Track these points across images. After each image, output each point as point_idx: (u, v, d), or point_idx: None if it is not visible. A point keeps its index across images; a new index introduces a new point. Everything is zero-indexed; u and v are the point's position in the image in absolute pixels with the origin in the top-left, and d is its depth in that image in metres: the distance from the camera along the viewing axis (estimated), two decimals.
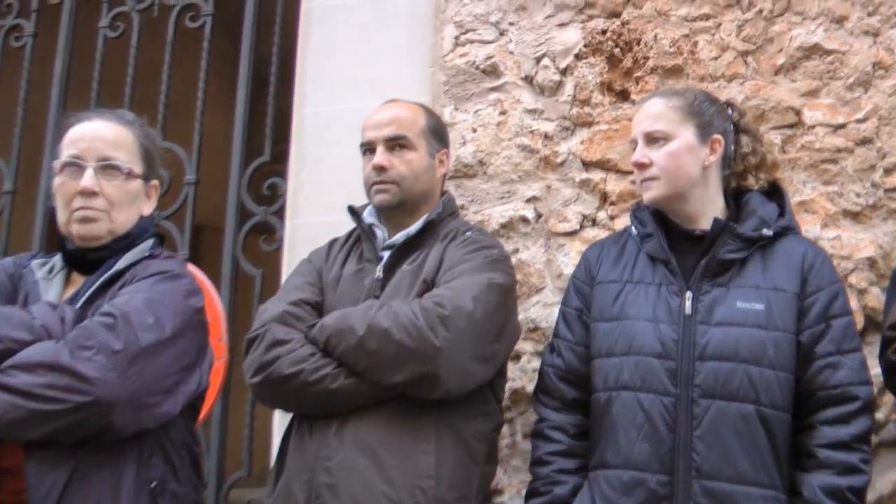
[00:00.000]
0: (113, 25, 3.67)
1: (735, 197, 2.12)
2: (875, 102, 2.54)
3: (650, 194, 2.04)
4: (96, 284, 1.91)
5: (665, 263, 2.02)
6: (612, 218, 2.69)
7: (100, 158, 1.92)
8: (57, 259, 1.98)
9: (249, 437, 3.25)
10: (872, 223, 2.48)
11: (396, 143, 2.28)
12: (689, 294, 1.96)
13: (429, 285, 2.16)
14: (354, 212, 2.36)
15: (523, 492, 2.47)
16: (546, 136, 2.77)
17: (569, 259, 2.67)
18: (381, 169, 2.26)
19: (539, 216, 2.74)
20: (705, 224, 2.04)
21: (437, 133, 2.38)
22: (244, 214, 3.36)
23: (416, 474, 2.02)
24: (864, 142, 2.53)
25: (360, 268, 2.27)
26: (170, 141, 3.34)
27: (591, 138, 2.74)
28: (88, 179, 1.89)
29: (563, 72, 2.80)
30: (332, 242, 2.42)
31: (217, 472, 3.19)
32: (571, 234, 2.71)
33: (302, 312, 2.19)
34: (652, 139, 2.04)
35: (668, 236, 2.05)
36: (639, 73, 2.74)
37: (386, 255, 2.26)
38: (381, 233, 2.31)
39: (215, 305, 2.98)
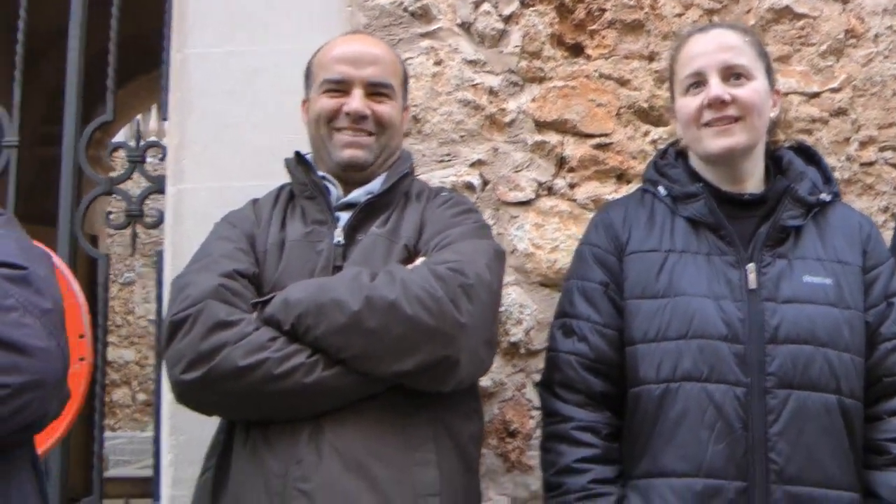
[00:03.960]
0: None
1: (772, 157, 1.85)
2: (848, 72, 2.40)
3: (728, 141, 1.71)
4: None
5: (713, 229, 1.72)
6: (571, 186, 2.36)
7: None
8: None
9: (100, 454, 2.70)
10: (847, 199, 2.31)
11: (377, 90, 1.87)
12: (751, 265, 1.67)
13: (411, 252, 1.78)
14: (303, 161, 1.91)
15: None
16: (491, 92, 2.39)
17: (523, 233, 2.32)
18: (359, 118, 1.83)
19: (486, 183, 2.37)
20: (752, 186, 1.77)
21: (406, 83, 2.01)
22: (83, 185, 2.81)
23: (417, 492, 1.63)
24: (839, 113, 2.39)
25: (310, 230, 1.84)
26: None
27: (544, 96, 2.39)
28: None
29: (507, 19, 2.43)
30: (256, 203, 1.97)
31: (60, 498, 2.59)
32: (525, 203, 2.35)
33: (240, 287, 1.73)
34: (732, 74, 1.72)
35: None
36: (594, 27, 2.42)
37: (344, 216, 1.83)
38: (335, 190, 1.88)
39: (75, 293, 2.39)
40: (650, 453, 1.67)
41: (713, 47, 1.75)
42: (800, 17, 2.41)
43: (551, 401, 1.79)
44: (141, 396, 13.35)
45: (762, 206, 1.73)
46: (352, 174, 1.88)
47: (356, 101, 1.85)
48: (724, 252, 1.69)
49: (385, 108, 1.88)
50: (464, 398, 1.76)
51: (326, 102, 1.87)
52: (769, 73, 1.77)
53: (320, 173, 1.89)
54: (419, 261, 1.73)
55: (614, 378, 1.74)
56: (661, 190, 1.81)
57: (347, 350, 1.60)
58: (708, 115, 1.73)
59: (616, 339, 1.74)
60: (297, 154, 1.93)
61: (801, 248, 1.70)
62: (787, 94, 2.35)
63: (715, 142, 1.72)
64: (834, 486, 1.59)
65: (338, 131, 1.86)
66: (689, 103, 1.75)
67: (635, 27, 2.42)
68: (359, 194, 1.86)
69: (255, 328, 1.64)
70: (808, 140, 2.32)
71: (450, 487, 1.66)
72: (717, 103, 1.71)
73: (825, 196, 1.75)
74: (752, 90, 1.71)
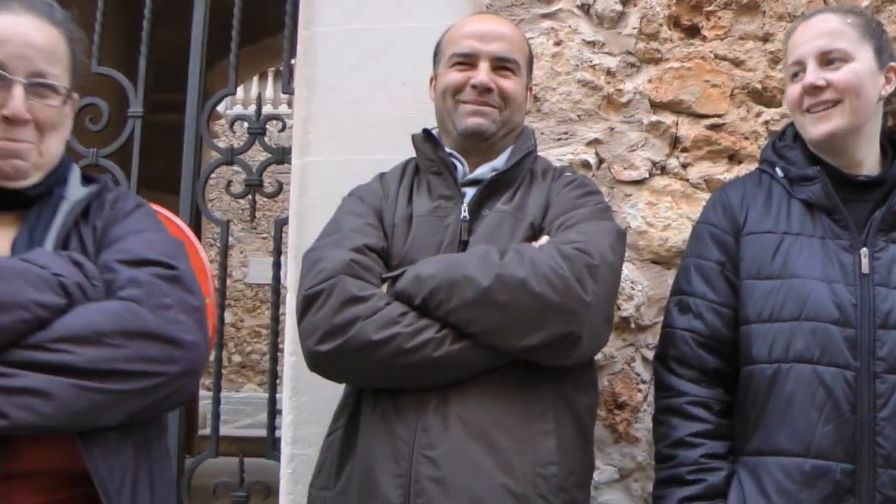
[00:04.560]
0: None
1: (890, 139, 1.86)
2: None
3: (827, 126, 1.74)
4: (58, 223, 1.50)
5: (829, 213, 1.75)
6: (684, 166, 2.41)
7: (31, 73, 1.47)
8: None
9: (217, 415, 2.85)
10: None
11: (502, 65, 1.93)
12: (864, 250, 1.70)
13: (536, 230, 1.83)
14: (431, 138, 1.99)
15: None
16: (609, 73, 2.45)
17: (636, 211, 2.38)
18: (485, 90, 1.90)
19: (601, 161, 2.43)
20: (867, 169, 1.79)
21: (531, 63, 2.07)
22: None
23: (537, 461, 1.69)
24: None
25: (437, 206, 1.91)
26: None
27: (660, 77, 2.43)
28: (17, 101, 1.44)
29: (626, 2, 2.48)
30: (382, 177, 2.05)
31: (178, 453, 2.75)
32: (639, 182, 2.40)
33: (370, 261, 1.80)
34: (827, 60, 1.75)
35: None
36: (710, 8, 2.45)
37: (470, 192, 1.90)
38: (461, 167, 1.95)
39: (201, 259, 2.52)
40: (761, 432, 1.71)
41: (811, 35, 1.77)
42: None
43: (666, 375, 1.85)
44: (236, 358, 13.78)
45: (878, 189, 1.75)
46: (476, 143, 1.94)
47: (482, 73, 1.91)
48: (839, 236, 1.72)
49: (509, 83, 1.94)
50: (581, 371, 1.81)
51: (454, 76, 1.94)
52: (881, 52, 1.77)
53: (448, 150, 1.96)
54: (544, 239, 1.78)
55: (728, 356, 1.78)
56: (779, 171, 1.84)
57: (477, 324, 1.67)
58: (807, 101, 1.76)
59: (731, 317, 1.78)
60: (426, 131, 2.00)
61: None
62: None
63: (816, 127, 1.76)
64: None
65: (464, 103, 1.93)
66: (792, 90, 1.79)
67: (751, 8, 2.44)
68: (484, 171, 1.93)
69: (387, 303, 1.71)
70: None
71: (567, 457, 1.72)
72: (812, 89, 1.74)
73: None
74: (848, 72, 1.73)
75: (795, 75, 1.79)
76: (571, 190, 1.91)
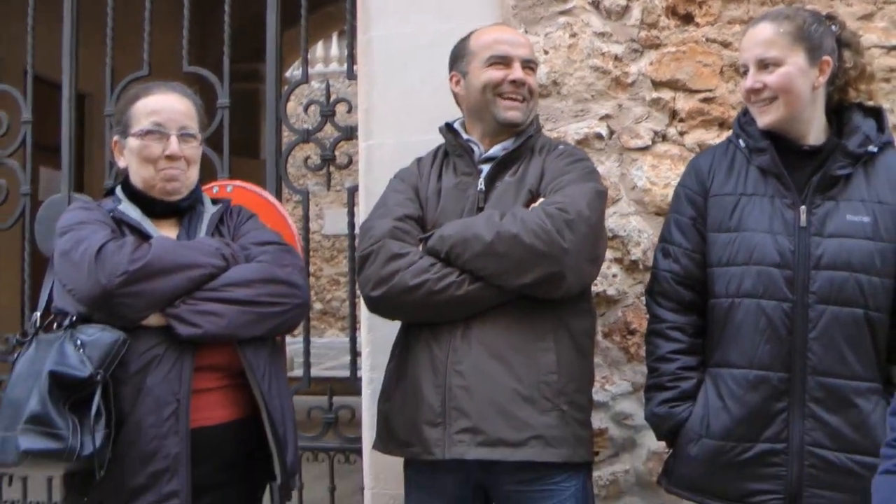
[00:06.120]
0: None
1: (836, 111, 2.27)
2: None
3: (767, 118, 2.19)
4: (205, 226, 2.31)
5: (777, 177, 2.19)
6: (681, 134, 2.90)
7: (179, 128, 2.26)
8: (130, 205, 2.27)
9: (307, 351, 3.49)
10: None
11: (528, 65, 2.43)
12: (803, 207, 2.16)
13: (533, 194, 2.34)
14: (452, 129, 2.50)
15: (606, 386, 2.76)
16: (616, 58, 2.94)
17: (641, 173, 2.89)
18: (521, 84, 2.40)
19: (612, 133, 2.94)
20: (812, 140, 2.21)
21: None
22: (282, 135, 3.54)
23: (540, 370, 2.23)
24: None
25: (459, 181, 2.42)
26: None
27: (659, 60, 2.92)
28: (174, 145, 2.24)
29: None
30: (419, 161, 2.57)
31: None
32: (643, 149, 2.91)
33: (408, 227, 2.36)
34: (764, 65, 2.18)
35: (777, 150, 2.20)
36: None
37: (485, 168, 2.41)
38: (477, 149, 2.46)
39: (290, 226, 3.07)
40: (719, 350, 2.20)
41: (751, 43, 2.21)
42: None
43: (652, 306, 2.37)
44: (317, 305, 14.47)
45: (818, 155, 2.19)
46: (507, 130, 2.41)
47: (518, 71, 2.40)
48: (784, 196, 2.18)
49: (533, 80, 2.45)
50: (576, 302, 2.31)
51: (494, 73, 2.39)
52: (812, 51, 2.17)
53: (465, 136, 2.47)
54: (539, 202, 2.28)
55: (699, 290, 2.27)
56: (741, 143, 2.29)
57: (485, 270, 2.20)
58: (752, 98, 2.22)
59: (701, 261, 2.27)
60: (447, 124, 2.51)
61: (849, 192, 2.15)
62: (869, 48, 2.76)
63: (760, 119, 2.22)
64: (857, 378, 2.07)
65: (501, 97, 2.41)
66: (743, 86, 2.25)
67: None
68: (496, 150, 2.41)
69: (420, 257, 2.27)
70: (886, 87, 2.77)
71: (565, 368, 2.24)
72: (752, 91, 2.20)
73: (873, 148, 2.17)
74: (779, 75, 2.14)
75: (745, 73, 2.25)
76: (561, 159, 2.39)
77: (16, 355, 2.12)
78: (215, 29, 3.64)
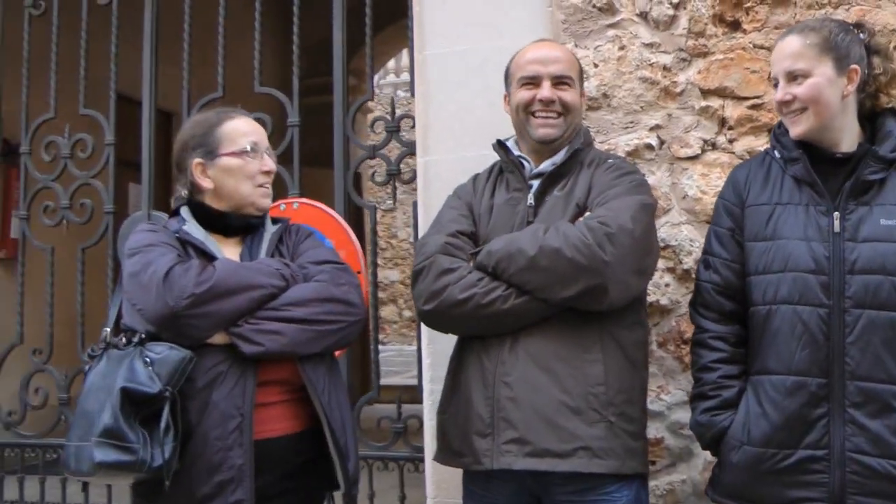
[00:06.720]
0: None
1: (869, 117, 2.30)
2: None
3: (798, 129, 2.23)
4: (266, 245, 2.43)
5: (811, 185, 2.23)
6: (731, 142, 2.92)
7: (267, 147, 2.46)
8: (195, 225, 2.39)
9: (377, 361, 3.61)
10: None
11: (561, 81, 2.49)
12: (836, 214, 2.19)
13: (581, 208, 2.40)
14: (503, 146, 2.58)
15: (662, 395, 2.79)
16: (665, 68, 2.98)
17: (692, 182, 2.91)
18: (549, 102, 2.47)
19: (662, 143, 2.97)
20: (845, 147, 2.25)
21: (581, 74, 2.62)
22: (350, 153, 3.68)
23: (588, 382, 2.28)
24: None
25: (510, 197, 2.51)
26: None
27: (707, 68, 2.94)
28: (270, 162, 2.44)
29: (676, 6, 2.98)
30: (475, 177, 2.65)
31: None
32: (693, 158, 2.94)
33: (461, 242, 2.45)
34: (793, 77, 2.22)
35: (811, 159, 2.25)
36: (748, 4, 2.92)
37: (535, 183, 2.48)
38: (528, 164, 2.53)
39: (352, 241, 3.18)
40: (759, 357, 2.23)
41: (780, 56, 2.25)
42: None
43: (695, 317, 2.42)
44: (406, 313, 14.62)
45: (851, 162, 2.22)
46: (546, 146, 2.50)
47: (546, 90, 2.47)
48: (818, 203, 2.21)
49: (567, 95, 2.50)
50: (625, 313, 2.34)
51: (524, 94, 2.49)
52: (840, 60, 2.21)
53: (516, 153, 2.54)
54: (586, 215, 2.35)
55: (740, 300, 2.31)
56: (776, 153, 2.33)
57: (530, 283, 2.27)
58: (783, 109, 2.26)
59: (740, 271, 2.31)
60: (498, 141, 2.59)
61: (882, 196, 2.17)
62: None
63: (792, 129, 2.25)
64: (894, 381, 2.10)
65: (533, 115, 2.49)
66: (775, 97, 2.28)
67: (783, 1, 2.90)
68: (546, 166, 2.48)
69: (469, 272, 2.36)
70: None
71: (614, 380, 2.29)
72: (783, 103, 2.24)
73: None
74: (808, 86, 2.18)
75: (776, 85, 2.28)
76: (609, 173, 2.44)
77: (87, 368, 2.29)
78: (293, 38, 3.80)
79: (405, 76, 14.87)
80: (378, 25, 3.82)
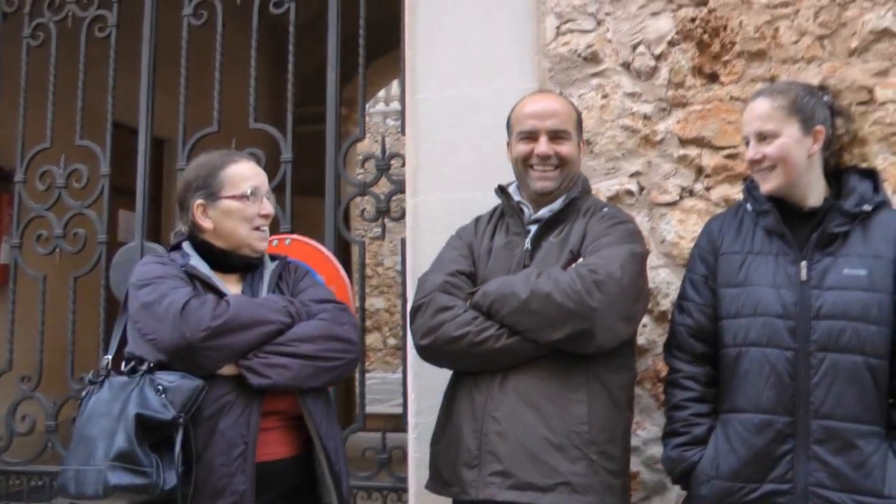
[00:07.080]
0: (196, 13, 3.95)
1: (834, 174, 2.44)
2: None
3: (768, 185, 2.37)
4: (266, 281, 2.53)
5: (780, 236, 2.36)
6: (707, 189, 3.05)
7: (266, 191, 2.54)
8: (199, 260, 2.47)
9: (363, 394, 3.72)
10: None
11: (557, 135, 2.59)
12: (804, 263, 2.31)
13: (574, 255, 2.50)
14: (504, 191, 2.69)
15: (638, 431, 2.90)
16: (645, 117, 3.11)
17: (670, 227, 3.04)
18: (546, 157, 2.58)
19: (642, 189, 3.10)
20: (812, 201, 2.38)
21: (580, 124, 2.72)
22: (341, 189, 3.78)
23: (572, 421, 2.38)
24: None
25: (509, 240, 2.62)
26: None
27: (686, 118, 3.08)
28: (269, 207, 2.53)
29: (658, 57, 3.12)
30: (478, 219, 2.76)
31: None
32: (672, 204, 3.07)
33: (459, 282, 2.55)
34: (762, 137, 2.36)
35: (781, 212, 2.38)
36: (727, 57, 3.07)
37: (533, 228, 2.60)
38: (527, 210, 2.64)
39: (341, 276, 3.26)
40: (728, 396, 2.36)
41: (750, 118, 2.39)
42: None
43: (669, 358, 2.54)
44: (391, 341, 14.64)
45: (817, 215, 2.35)
46: (544, 197, 2.61)
47: (542, 146, 2.57)
48: (787, 253, 2.34)
49: (564, 148, 2.60)
50: (614, 356, 2.44)
51: (523, 147, 2.60)
52: (806, 121, 2.34)
53: (516, 199, 2.65)
54: (578, 262, 2.46)
55: (711, 343, 2.43)
56: (748, 206, 2.46)
57: (520, 325, 2.38)
58: (754, 167, 2.40)
59: (713, 315, 2.43)
60: (500, 186, 2.70)
61: (847, 247, 2.30)
62: (883, 103, 2.93)
63: (762, 185, 2.39)
64: (857, 421, 2.22)
65: (531, 168, 2.60)
66: (746, 156, 2.42)
67: (759, 55, 3.05)
68: (543, 212, 2.58)
69: (465, 311, 2.46)
70: None
71: (598, 419, 2.38)
72: (753, 161, 2.38)
73: (867, 207, 2.32)
74: (776, 146, 2.32)
75: (747, 144, 2.42)
76: (602, 222, 2.55)
77: (85, 394, 2.37)
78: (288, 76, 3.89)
79: (395, 105, 15.04)
80: (371, 55, 3.93)
